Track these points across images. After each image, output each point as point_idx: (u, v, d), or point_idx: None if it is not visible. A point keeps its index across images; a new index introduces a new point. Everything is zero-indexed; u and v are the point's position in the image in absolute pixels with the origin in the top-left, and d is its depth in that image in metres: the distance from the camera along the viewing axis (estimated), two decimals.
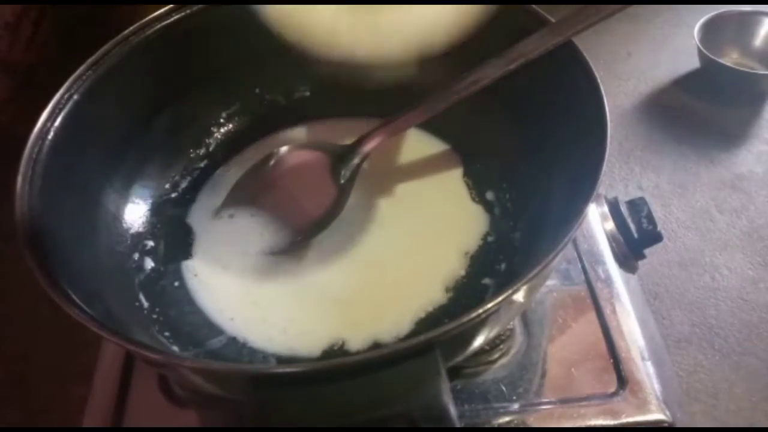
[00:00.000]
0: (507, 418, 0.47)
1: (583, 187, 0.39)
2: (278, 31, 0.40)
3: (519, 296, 0.38)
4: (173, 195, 0.56)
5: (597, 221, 0.58)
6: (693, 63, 1.26)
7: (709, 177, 1.11)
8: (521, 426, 0.47)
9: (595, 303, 0.53)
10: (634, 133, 1.19)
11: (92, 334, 0.35)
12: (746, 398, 0.86)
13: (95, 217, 0.49)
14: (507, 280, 0.49)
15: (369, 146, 0.51)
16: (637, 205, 0.58)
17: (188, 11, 0.53)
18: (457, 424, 0.33)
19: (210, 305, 0.50)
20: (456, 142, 0.58)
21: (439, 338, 0.33)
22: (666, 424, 0.46)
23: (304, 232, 0.51)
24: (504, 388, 0.48)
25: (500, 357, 0.50)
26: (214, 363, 0.45)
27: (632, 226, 0.58)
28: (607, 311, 0.52)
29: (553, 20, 0.45)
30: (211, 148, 0.60)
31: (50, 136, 0.45)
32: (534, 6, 0.47)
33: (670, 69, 1.29)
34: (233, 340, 0.48)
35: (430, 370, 0.33)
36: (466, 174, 0.56)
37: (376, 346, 0.46)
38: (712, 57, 1.18)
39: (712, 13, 1.23)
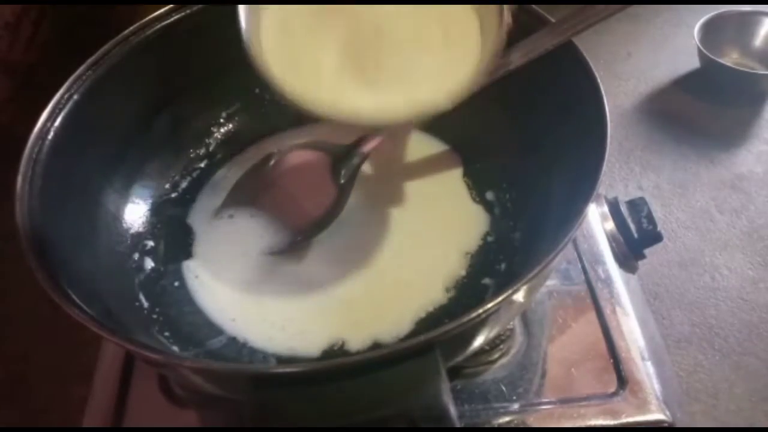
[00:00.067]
0: (507, 418, 0.47)
1: (583, 187, 0.39)
2: (280, 93, 0.40)
3: (519, 296, 0.38)
4: (173, 195, 0.56)
5: (597, 221, 0.58)
6: (693, 63, 1.26)
7: (709, 177, 1.11)
8: (521, 426, 0.47)
9: (595, 303, 0.53)
10: (634, 133, 1.19)
11: (92, 334, 0.35)
12: (746, 398, 0.86)
13: (95, 217, 0.49)
14: (507, 280, 0.49)
15: (369, 146, 0.51)
16: (637, 205, 0.58)
17: (188, 11, 0.53)
18: (457, 424, 0.33)
19: (210, 305, 0.50)
20: (456, 142, 0.58)
21: (439, 338, 0.33)
22: (666, 424, 0.46)
23: (304, 232, 0.51)
24: (504, 388, 0.48)
25: (500, 357, 0.50)
26: (214, 363, 0.45)
27: (632, 226, 0.58)
28: (607, 311, 0.52)
29: (553, 20, 0.45)
30: (211, 148, 0.60)
31: (50, 136, 0.45)
32: (534, 6, 0.47)
33: (670, 69, 1.29)
34: (233, 340, 0.48)
35: (430, 370, 0.33)
36: (466, 174, 0.56)
37: (376, 346, 0.46)
38: (712, 57, 1.18)
39: (712, 13, 1.23)
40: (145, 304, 0.49)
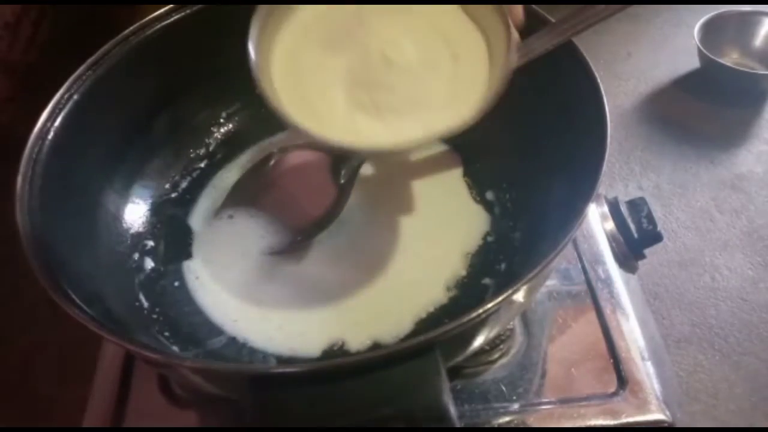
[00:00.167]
0: (507, 418, 0.47)
1: (583, 187, 0.39)
2: (292, 124, 0.39)
3: (519, 296, 0.38)
4: (173, 195, 0.56)
5: (597, 221, 0.58)
6: (693, 63, 1.26)
7: (709, 177, 1.11)
8: (521, 426, 0.47)
9: (595, 303, 0.53)
10: (634, 133, 1.19)
11: (92, 334, 0.35)
12: (746, 398, 0.86)
13: (95, 217, 0.49)
14: (507, 280, 0.49)
15: None
16: (637, 205, 0.58)
17: (188, 11, 0.53)
18: (457, 424, 0.33)
19: (210, 305, 0.50)
20: (456, 142, 0.57)
21: (439, 338, 0.33)
22: (666, 424, 0.46)
23: (305, 233, 0.51)
24: (504, 388, 0.48)
25: (500, 357, 0.50)
26: (214, 363, 0.45)
27: (632, 226, 0.58)
28: (607, 311, 0.52)
29: (553, 20, 0.45)
30: (211, 148, 0.60)
31: (50, 136, 0.45)
32: (534, 6, 0.47)
33: (670, 69, 1.29)
34: (233, 340, 0.48)
35: (430, 370, 0.33)
36: (466, 174, 0.56)
37: (376, 346, 0.46)
38: (712, 57, 1.18)
39: (712, 13, 1.23)
40: (145, 304, 0.49)
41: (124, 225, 0.52)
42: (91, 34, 0.57)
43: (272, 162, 0.54)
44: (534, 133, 0.51)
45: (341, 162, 0.52)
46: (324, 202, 0.51)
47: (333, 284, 0.50)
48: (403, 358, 0.33)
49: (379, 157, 0.55)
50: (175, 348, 0.47)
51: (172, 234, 0.54)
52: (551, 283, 0.54)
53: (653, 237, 0.57)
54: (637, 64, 1.31)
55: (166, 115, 0.56)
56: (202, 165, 0.59)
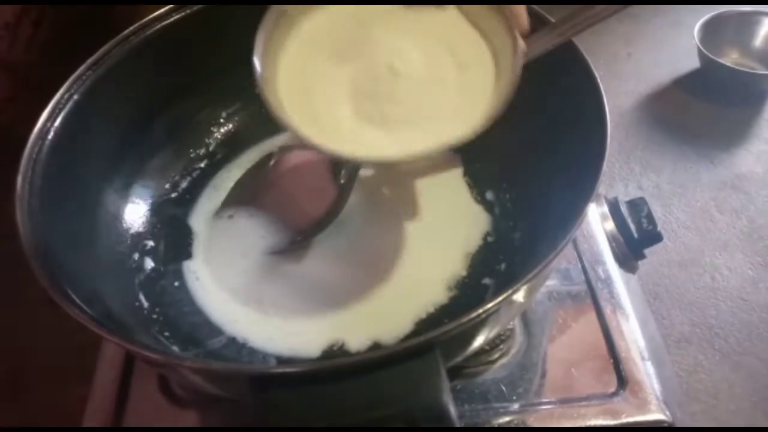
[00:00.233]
0: (507, 418, 0.47)
1: (583, 187, 0.39)
2: (299, 136, 0.39)
3: (519, 296, 0.38)
4: (173, 195, 0.56)
5: (597, 221, 0.58)
6: (693, 63, 1.26)
7: (709, 177, 1.11)
8: (521, 426, 0.47)
9: (595, 303, 0.53)
10: (634, 133, 1.19)
11: (92, 334, 0.35)
12: (746, 398, 0.86)
13: (95, 217, 0.49)
14: (507, 280, 0.49)
15: None
16: (637, 205, 0.58)
17: (188, 11, 0.53)
18: (457, 424, 0.33)
19: (210, 305, 0.50)
20: None
21: (439, 338, 0.33)
22: (666, 424, 0.46)
23: (304, 232, 0.51)
24: (504, 388, 0.48)
25: (500, 357, 0.50)
26: (214, 363, 0.45)
27: (632, 226, 0.57)
28: (607, 311, 0.52)
29: (553, 20, 0.45)
30: (211, 148, 0.60)
31: (50, 136, 0.45)
32: (534, 6, 0.47)
33: (670, 69, 1.29)
34: (233, 340, 0.48)
35: (430, 370, 0.33)
36: (466, 174, 0.56)
37: (376, 346, 0.46)
38: (712, 57, 1.18)
39: (712, 13, 1.23)
40: (145, 304, 0.49)
41: (124, 225, 0.52)
42: (91, 34, 0.57)
43: (272, 162, 0.54)
44: (534, 133, 0.51)
45: (341, 162, 0.52)
46: (324, 202, 0.51)
47: (333, 284, 0.50)
48: (403, 358, 0.33)
49: (386, 167, 0.55)
50: (175, 348, 0.47)
51: (172, 234, 0.54)
52: (551, 283, 0.54)
53: (653, 237, 0.57)
54: (637, 64, 1.31)
55: (166, 114, 0.56)
56: (202, 165, 0.59)
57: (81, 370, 0.53)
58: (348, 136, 0.41)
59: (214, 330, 0.48)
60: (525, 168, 0.52)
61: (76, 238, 0.45)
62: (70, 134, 0.46)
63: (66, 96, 0.47)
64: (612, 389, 0.48)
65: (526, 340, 0.51)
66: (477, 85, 0.42)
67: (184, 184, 0.57)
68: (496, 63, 0.42)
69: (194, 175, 0.58)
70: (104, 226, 0.50)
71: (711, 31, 1.21)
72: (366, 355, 0.42)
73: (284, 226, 0.52)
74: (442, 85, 0.42)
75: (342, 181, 0.51)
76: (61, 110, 0.46)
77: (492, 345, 0.49)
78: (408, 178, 0.56)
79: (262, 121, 0.60)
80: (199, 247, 0.53)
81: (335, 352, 0.46)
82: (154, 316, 0.49)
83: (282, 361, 0.46)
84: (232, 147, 0.60)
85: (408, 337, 0.47)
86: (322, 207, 0.51)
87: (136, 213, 0.54)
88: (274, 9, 0.42)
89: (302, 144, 0.54)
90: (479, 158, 0.56)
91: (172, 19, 0.52)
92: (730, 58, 1.24)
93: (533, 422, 0.47)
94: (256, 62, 0.40)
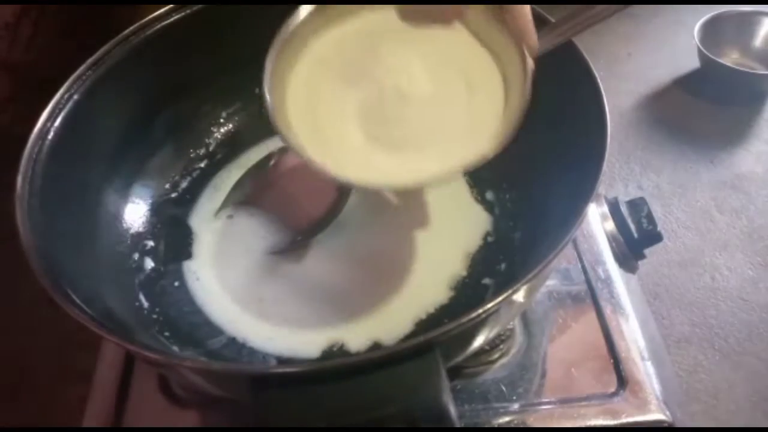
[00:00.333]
0: (507, 418, 0.47)
1: (583, 187, 0.39)
2: (307, 161, 0.39)
3: (519, 296, 0.38)
4: (173, 195, 0.56)
5: (597, 221, 0.58)
6: (693, 63, 1.26)
7: (709, 177, 1.11)
8: (521, 426, 0.47)
9: (595, 303, 0.53)
10: (634, 133, 1.19)
11: (92, 334, 0.35)
12: (746, 398, 0.86)
13: (95, 217, 0.49)
14: (507, 280, 0.49)
15: None
16: (637, 205, 0.58)
17: (188, 11, 0.53)
18: (457, 424, 0.33)
19: (210, 305, 0.50)
20: None
21: (439, 338, 0.33)
22: (666, 424, 0.46)
23: (305, 232, 0.51)
24: (504, 388, 0.48)
25: (500, 357, 0.50)
26: (214, 363, 0.45)
27: (632, 226, 0.57)
28: (607, 311, 0.52)
29: (553, 20, 0.45)
30: (211, 148, 0.60)
31: (50, 136, 0.45)
32: (534, 6, 0.47)
33: (670, 69, 1.29)
34: (233, 340, 0.48)
35: (430, 370, 0.33)
36: (466, 174, 0.56)
37: (376, 346, 0.46)
38: (712, 57, 1.18)
39: (712, 13, 1.23)
40: (145, 304, 0.49)
41: (124, 225, 0.52)
42: (91, 34, 0.57)
43: (272, 162, 0.54)
44: (534, 133, 0.51)
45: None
46: (324, 202, 0.51)
47: (333, 284, 0.50)
48: (403, 358, 0.33)
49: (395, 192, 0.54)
50: (175, 348, 0.47)
51: (172, 234, 0.54)
52: (551, 283, 0.54)
53: (653, 237, 0.57)
54: (637, 64, 1.31)
55: (166, 114, 0.56)
56: (202, 165, 0.59)
57: (81, 370, 0.53)
58: (358, 162, 0.40)
59: (214, 330, 0.48)
60: (525, 168, 0.52)
61: (76, 238, 0.45)
62: (70, 134, 0.46)
63: (66, 96, 0.47)
64: (612, 389, 0.48)
65: (526, 340, 0.51)
66: (487, 107, 0.41)
67: (184, 184, 0.57)
68: (506, 82, 0.41)
69: (194, 175, 0.58)
70: (104, 226, 0.50)
71: (711, 31, 1.21)
72: (366, 355, 0.42)
73: (284, 226, 0.52)
74: (451, 108, 0.41)
75: None
76: (61, 110, 0.46)
77: (492, 345, 0.49)
78: None
79: (262, 121, 0.60)
80: (199, 247, 0.53)
81: (335, 353, 0.46)
82: (154, 316, 0.49)
83: (282, 361, 0.46)
84: (232, 147, 0.60)
85: (408, 337, 0.47)
86: (322, 207, 0.51)
87: (136, 213, 0.54)
88: (283, 31, 0.41)
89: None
90: None
91: (172, 19, 0.52)
92: (730, 58, 1.24)
93: (533, 422, 0.47)
94: (266, 90, 0.40)
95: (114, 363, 0.51)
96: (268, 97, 0.39)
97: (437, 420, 0.32)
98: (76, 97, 0.47)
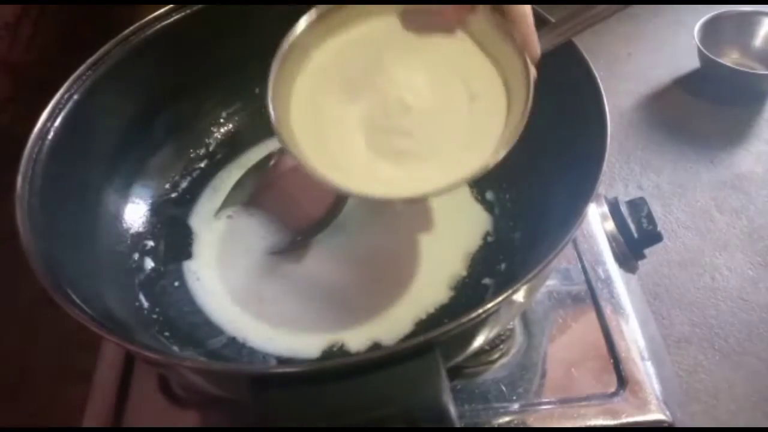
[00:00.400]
0: (507, 418, 0.47)
1: (583, 187, 0.39)
2: (311, 172, 0.39)
3: (519, 296, 0.38)
4: (173, 195, 0.56)
5: (597, 221, 0.58)
6: (693, 63, 1.26)
7: (709, 177, 1.11)
8: (521, 426, 0.47)
9: (595, 303, 0.53)
10: (634, 133, 1.19)
11: (92, 334, 0.35)
12: (746, 398, 0.86)
13: (95, 217, 0.49)
14: (507, 280, 0.49)
15: None
16: (637, 205, 0.58)
17: (188, 11, 0.53)
18: (457, 424, 0.33)
19: (210, 305, 0.50)
20: None
21: (439, 338, 0.33)
22: (666, 424, 0.46)
23: (304, 232, 0.51)
24: (504, 388, 0.48)
25: (500, 357, 0.50)
26: (214, 363, 0.45)
27: (632, 226, 0.57)
28: (607, 311, 0.52)
29: (553, 20, 0.45)
30: (211, 148, 0.60)
31: (50, 136, 0.45)
32: (534, 6, 0.47)
33: (670, 69, 1.29)
34: (233, 340, 0.48)
35: (430, 370, 0.33)
36: None
37: (376, 346, 0.46)
38: (712, 57, 1.18)
39: (712, 13, 1.23)
40: (145, 304, 0.49)
41: (124, 225, 0.52)
42: (91, 34, 0.57)
43: (272, 162, 0.54)
44: (534, 133, 0.51)
45: None
46: (324, 202, 0.51)
47: (333, 284, 0.50)
48: (403, 358, 0.33)
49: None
50: (175, 348, 0.47)
51: (172, 234, 0.54)
52: (551, 283, 0.54)
53: (653, 237, 0.57)
54: (637, 64, 1.31)
55: (166, 114, 0.56)
56: (202, 165, 0.59)
57: (81, 370, 0.53)
58: (362, 173, 0.40)
59: (214, 330, 0.48)
60: (525, 168, 0.52)
61: (76, 238, 0.45)
62: (70, 134, 0.46)
63: (66, 96, 0.47)
64: (612, 389, 0.48)
65: (526, 340, 0.51)
66: (489, 116, 0.41)
67: (184, 184, 0.57)
68: (508, 91, 0.41)
69: (194, 175, 0.58)
70: (104, 226, 0.50)
71: (711, 31, 1.22)
72: (366, 355, 0.42)
73: (284, 226, 0.52)
74: (454, 118, 0.41)
75: None
76: (61, 110, 0.46)
77: (492, 345, 0.49)
78: None
79: (262, 121, 0.60)
80: (199, 247, 0.53)
81: (335, 353, 0.46)
82: (154, 316, 0.49)
83: (282, 361, 0.46)
84: (232, 147, 0.60)
85: (408, 337, 0.47)
86: (322, 207, 0.51)
87: (136, 213, 0.54)
88: (285, 42, 0.41)
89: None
90: None
91: (172, 19, 0.52)
92: (730, 58, 1.24)
93: (533, 422, 0.47)
94: (270, 105, 0.40)
95: (114, 363, 0.51)
96: (271, 109, 0.39)
97: (437, 420, 0.32)
98: (76, 97, 0.47)
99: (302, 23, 0.41)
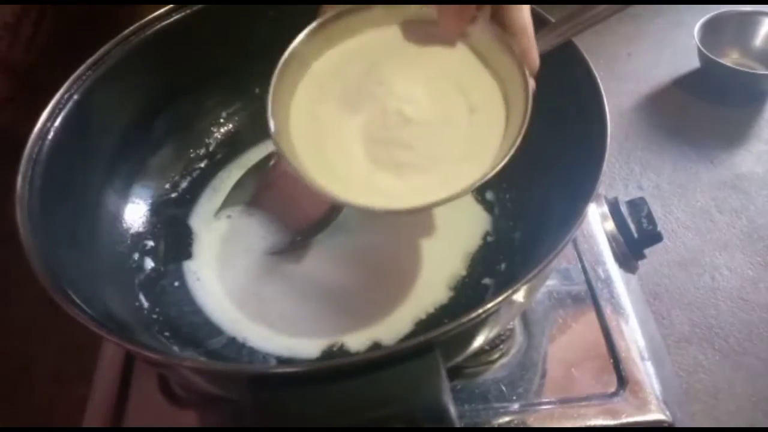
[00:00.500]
0: (507, 418, 0.47)
1: (583, 187, 0.39)
2: (310, 184, 0.38)
3: (519, 296, 0.38)
4: (173, 195, 0.56)
5: (597, 221, 0.58)
6: (693, 63, 1.26)
7: (709, 177, 1.11)
8: (521, 426, 0.47)
9: (595, 303, 0.53)
10: (634, 133, 1.19)
11: (92, 334, 0.35)
12: (746, 398, 0.86)
13: (95, 217, 0.49)
14: (507, 280, 0.49)
15: None
16: (637, 205, 0.58)
17: (188, 11, 0.53)
18: (457, 424, 0.33)
19: (210, 305, 0.50)
20: None
21: (439, 338, 0.33)
22: (666, 424, 0.46)
23: (304, 232, 0.51)
24: (504, 388, 0.48)
25: (500, 357, 0.50)
26: (214, 363, 0.45)
27: (632, 226, 0.58)
28: (607, 311, 0.52)
29: (553, 20, 0.45)
30: (211, 148, 0.60)
31: (50, 136, 0.45)
32: (534, 6, 0.47)
33: (670, 69, 1.29)
34: (233, 340, 0.48)
35: (430, 370, 0.33)
36: None
37: (376, 346, 0.46)
38: (712, 57, 1.18)
39: (712, 13, 1.23)
40: (145, 304, 0.49)
41: (124, 225, 0.52)
42: (91, 34, 0.57)
43: (272, 162, 0.54)
44: (534, 133, 0.51)
45: None
46: (324, 202, 0.51)
47: (333, 284, 0.50)
48: (403, 358, 0.33)
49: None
50: (175, 348, 0.47)
51: (172, 234, 0.54)
52: (551, 283, 0.54)
53: (653, 237, 0.57)
54: (637, 64, 1.31)
55: (166, 114, 0.56)
56: (202, 165, 0.59)
57: (81, 370, 0.53)
58: (362, 185, 0.40)
59: (214, 330, 0.48)
60: (525, 168, 0.52)
61: (76, 239, 0.45)
62: (70, 134, 0.46)
63: (66, 96, 0.47)
64: (612, 389, 0.48)
65: (526, 340, 0.51)
66: (489, 128, 0.41)
67: (184, 184, 0.57)
68: (507, 102, 0.41)
69: (194, 175, 0.58)
70: (104, 226, 0.50)
71: (711, 31, 1.22)
72: (366, 355, 0.42)
73: (284, 226, 0.52)
74: (454, 130, 0.41)
75: None
76: (61, 110, 0.46)
77: (492, 345, 0.49)
78: None
79: (262, 121, 0.60)
80: (199, 247, 0.53)
81: (335, 353, 0.46)
82: (154, 316, 0.49)
83: (282, 361, 0.46)
84: (232, 147, 0.60)
85: (408, 337, 0.47)
86: (322, 207, 0.51)
87: (136, 213, 0.54)
88: (286, 52, 0.41)
89: None
90: None
91: (172, 19, 0.52)
92: (730, 58, 1.24)
93: (533, 422, 0.47)
94: (269, 117, 0.39)
95: (114, 363, 0.51)
96: (271, 121, 0.39)
97: (437, 420, 0.32)
98: (76, 97, 0.47)
99: (302, 34, 0.41)
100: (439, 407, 0.32)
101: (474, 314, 0.34)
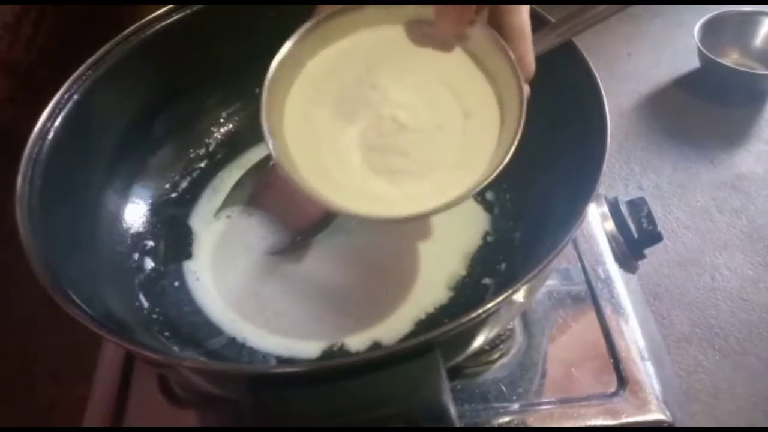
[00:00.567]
0: (507, 418, 0.47)
1: (583, 187, 0.39)
2: (307, 192, 0.38)
3: (519, 296, 0.38)
4: (173, 195, 0.56)
5: (597, 221, 0.58)
6: (693, 63, 1.26)
7: (709, 177, 1.11)
8: (521, 426, 0.47)
9: (595, 303, 0.53)
10: (634, 133, 1.19)
11: (92, 334, 0.35)
12: (746, 398, 0.86)
13: (95, 217, 0.49)
14: (507, 280, 0.49)
15: None
16: (637, 205, 0.58)
17: (188, 11, 0.53)
18: (457, 424, 0.33)
19: (210, 305, 0.50)
20: None
21: (439, 338, 0.33)
22: (666, 424, 0.46)
23: (304, 232, 0.51)
24: (504, 388, 0.48)
25: (500, 357, 0.50)
26: (214, 363, 0.45)
27: (632, 226, 0.58)
28: (607, 311, 0.52)
29: (553, 20, 0.45)
30: (211, 148, 0.60)
31: (50, 136, 0.45)
32: (534, 6, 0.47)
33: (670, 69, 1.29)
34: (233, 340, 0.48)
35: (430, 370, 0.33)
36: None
37: (376, 346, 0.46)
38: (712, 57, 1.18)
39: (712, 13, 1.23)
40: (145, 304, 0.49)
41: (124, 225, 0.52)
42: (91, 34, 0.57)
43: (272, 162, 0.54)
44: (534, 133, 0.51)
45: None
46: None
47: (333, 284, 0.50)
48: (403, 358, 0.33)
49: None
50: (175, 348, 0.47)
51: (172, 234, 0.54)
52: (551, 283, 0.54)
53: (653, 237, 0.57)
54: (637, 64, 1.31)
55: (166, 115, 0.56)
56: (202, 165, 0.59)
57: (81, 370, 0.53)
58: (358, 192, 0.40)
59: (214, 330, 0.48)
60: (525, 168, 0.52)
61: (76, 238, 0.45)
62: (70, 134, 0.46)
63: (66, 96, 0.47)
64: (612, 389, 0.48)
65: (526, 340, 0.51)
66: (484, 133, 0.41)
67: (184, 184, 0.57)
68: (501, 107, 0.41)
69: (194, 175, 0.58)
70: (104, 226, 0.50)
71: (711, 31, 1.22)
72: (366, 355, 0.42)
73: (284, 226, 0.52)
74: (449, 136, 0.41)
75: None
76: (61, 110, 0.46)
77: (492, 345, 0.49)
78: None
79: None
80: (199, 247, 0.53)
81: (335, 352, 0.46)
82: (154, 316, 0.49)
83: (282, 361, 0.46)
84: (232, 147, 0.60)
85: (408, 337, 0.47)
86: (321, 208, 0.51)
87: (136, 213, 0.54)
88: (281, 53, 0.40)
89: None
90: None
91: (172, 19, 0.52)
92: (730, 58, 1.24)
93: (533, 422, 0.47)
94: (263, 120, 0.39)
95: (114, 363, 0.51)
96: (265, 125, 0.39)
97: (437, 420, 0.32)
98: (76, 97, 0.47)
99: (298, 32, 0.41)
100: (439, 407, 0.32)
101: (474, 314, 0.34)
